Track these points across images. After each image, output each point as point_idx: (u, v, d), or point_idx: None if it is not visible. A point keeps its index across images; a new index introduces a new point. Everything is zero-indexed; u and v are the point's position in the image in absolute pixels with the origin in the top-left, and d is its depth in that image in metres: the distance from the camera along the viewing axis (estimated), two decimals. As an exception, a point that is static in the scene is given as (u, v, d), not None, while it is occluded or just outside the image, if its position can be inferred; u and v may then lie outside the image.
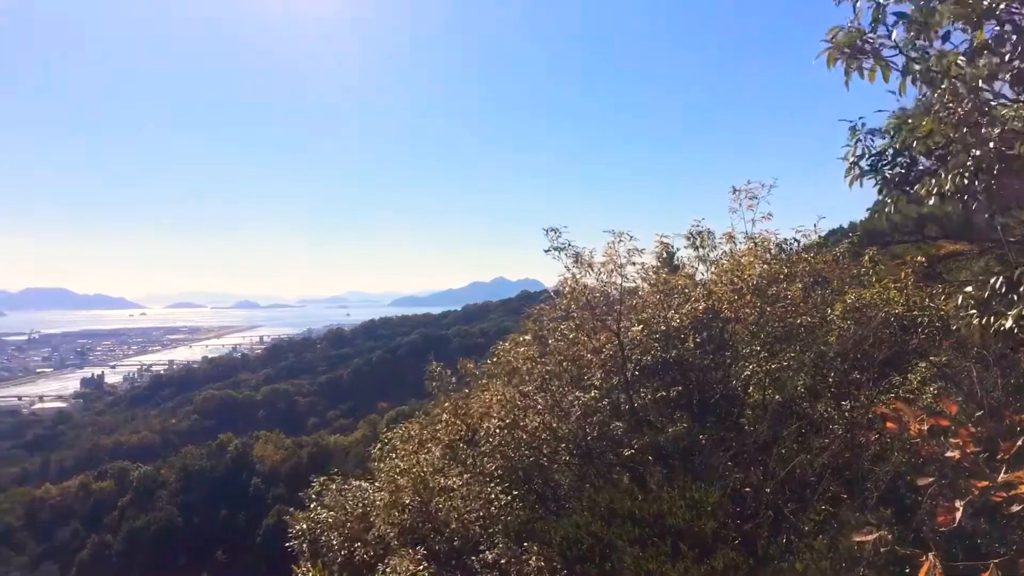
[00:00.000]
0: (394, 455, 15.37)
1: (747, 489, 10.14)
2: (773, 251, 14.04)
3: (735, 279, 13.16)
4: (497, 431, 13.36)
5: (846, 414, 11.74)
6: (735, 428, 12.05)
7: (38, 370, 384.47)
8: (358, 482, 16.04)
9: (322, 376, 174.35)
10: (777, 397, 12.33)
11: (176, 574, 69.41)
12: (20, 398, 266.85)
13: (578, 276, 13.88)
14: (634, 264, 13.74)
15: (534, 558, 10.47)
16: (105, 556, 71.89)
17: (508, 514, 12.43)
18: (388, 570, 11.75)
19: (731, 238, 14.24)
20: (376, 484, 15.10)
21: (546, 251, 13.76)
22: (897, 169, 6.94)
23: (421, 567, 11.58)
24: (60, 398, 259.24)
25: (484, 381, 16.08)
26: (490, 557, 11.21)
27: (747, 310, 12.94)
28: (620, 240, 13.57)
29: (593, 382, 13.44)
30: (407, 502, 13.71)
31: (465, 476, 13.93)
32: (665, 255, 14.52)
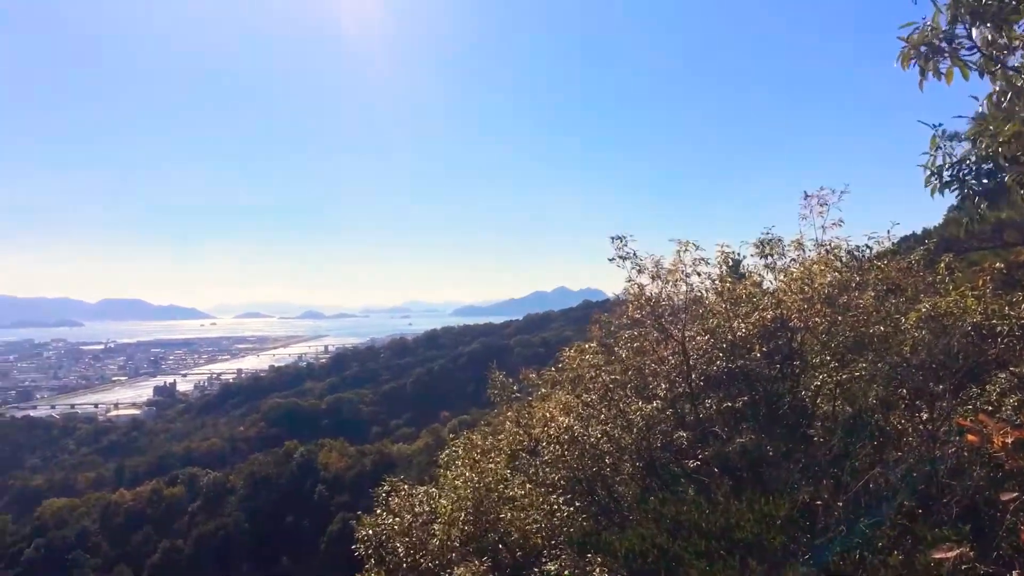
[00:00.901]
0: (459, 464, 15.37)
1: (818, 503, 9.85)
2: (844, 259, 13.66)
3: (805, 287, 12.84)
4: (559, 441, 13.26)
5: (922, 426, 11.35)
6: (804, 440, 11.73)
7: (114, 378, 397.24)
8: (424, 487, 16.07)
9: (385, 385, 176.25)
10: (848, 408, 11.98)
11: (243, 579, 70.77)
12: (97, 405, 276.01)
13: (643, 285, 13.73)
14: (699, 274, 13.54)
15: (597, 570, 10.34)
16: (175, 560, 73.56)
17: (571, 525, 12.32)
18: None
19: (800, 245, 13.91)
20: (441, 492, 15.10)
21: (611, 260, 13.64)
22: (981, 179, 6.67)
23: (482, 577, 11.52)
24: (134, 405, 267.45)
25: (546, 391, 16.01)
26: (552, 569, 11.11)
27: (817, 319, 12.61)
28: (686, 249, 13.40)
29: (657, 392, 13.24)
30: (470, 511, 13.70)
31: (528, 486, 13.88)
32: (730, 263, 14.24)
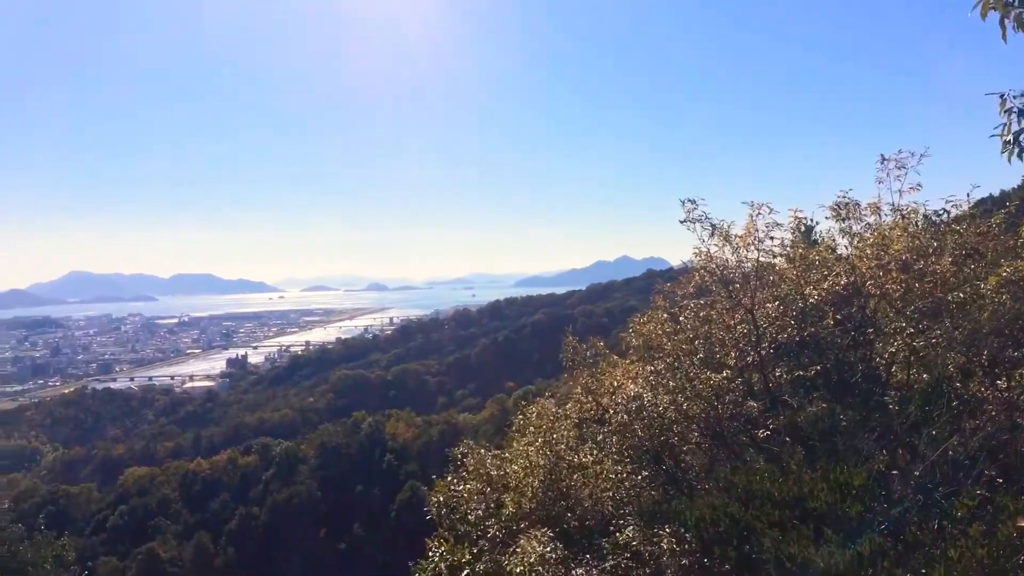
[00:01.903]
0: (531, 430, 15.43)
1: (894, 472, 9.65)
2: (921, 223, 13.24)
3: (880, 253, 12.48)
4: (627, 410, 13.22)
5: (1002, 393, 11.00)
6: (879, 409, 11.48)
7: (188, 351, 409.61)
8: (496, 452, 16.16)
9: (450, 356, 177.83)
10: (925, 376, 11.68)
11: (317, 546, 72.49)
12: (173, 377, 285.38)
13: (712, 250, 13.52)
14: (772, 238, 13.26)
15: (666, 540, 10.31)
16: (251, 527, 75.76)
17: (639, 495, 12.31)
18: (519, 549, 11.81)
19: (877, 209, 13.49)
20: (513, 458, 15.18)
21: (682, 222, 13.44)
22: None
23: (549, 547, 11.58)
24: (208, 377, 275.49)
25: (613, 359, 15.95)
26: (621, 539, 11.10)
27: (892, 285, 12.28)
28: (758, 213, 13.11)
29: (726, 361, 13.08)
30: (540, 478, 13.78)
31: (596, 454, 13.89)
32: (803, 229, 13.90)
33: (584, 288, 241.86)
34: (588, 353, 16.23)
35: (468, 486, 15.04)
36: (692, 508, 9.09)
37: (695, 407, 12.84)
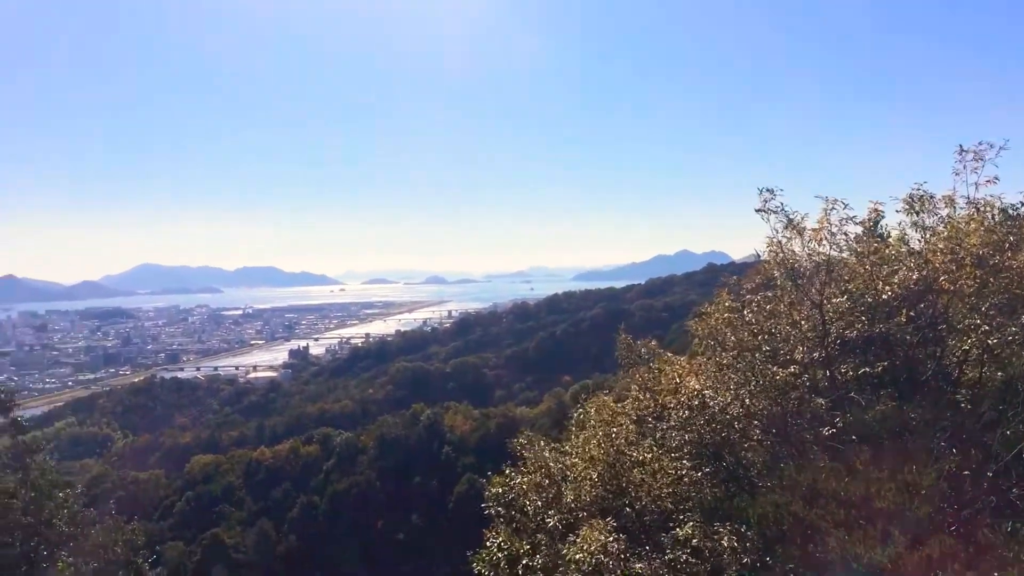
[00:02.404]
0: (590, 425, 15.35)
1: (965, 472, 9.37)
2: (998, 216, 12.77)
3: (955, 247, 12.08)
4: (688, 406, 13.07)
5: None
6: (951, 407, 11.14)
7: (252, 342, 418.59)
8: (555, 445, 16.10)
9: (508, 349, 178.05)
10: (999, 374, 11.29)
11: (376, 535, 73.44)
12: (237, 368, 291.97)
13: (783, 243, 13.26)
14: (846, 234, 12.96)
15: (726, 537, 10.19)
16: (313, 515, 77.05)
17: (699, 491, 12.18)
18: (579, 539, 11.77)
19: (951, 202, 13.06)
20: (572, 451, 15.12)
21: (758, 211, 13.20)
22: None
23: (611, 538, 11.52)
24: (271, 368, 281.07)
25: (669, 356, 15.78)
26: (681, 534, 11.01)
27: (966, 281, 11.88)
28: (833, 207, 12.83)
29: (792, 357, 12.82)
30: (599, 473, 13.72)
31: (655, 450, 13.77)
32: (873, 222, 13.52)
33: (643, 282, 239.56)
34: (642, 351, 16.08)
35: (526, 478, 15.00)
36: (754, 505, 8.95)
37: (758, 403, 12.63)
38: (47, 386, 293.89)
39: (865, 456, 10.19)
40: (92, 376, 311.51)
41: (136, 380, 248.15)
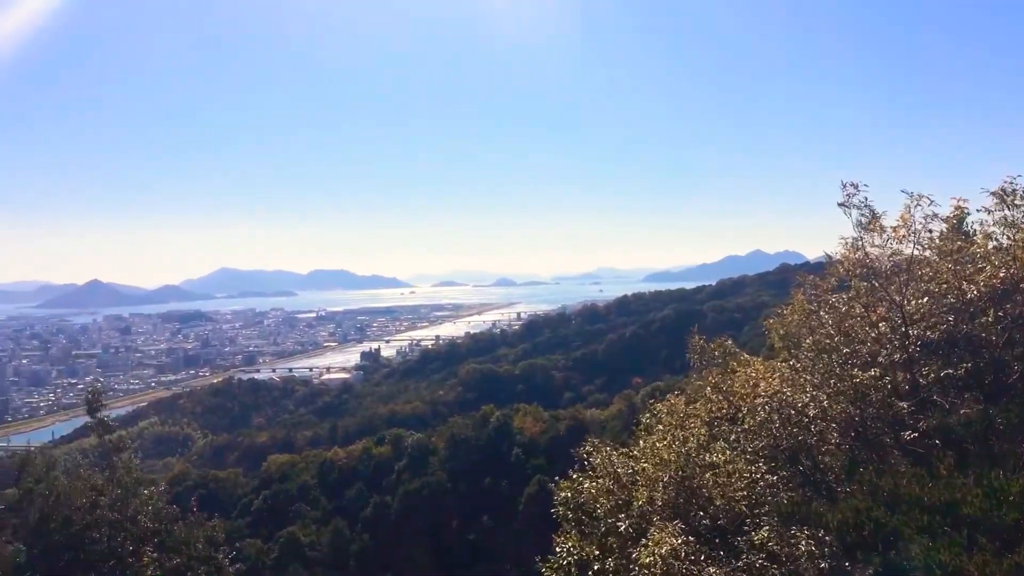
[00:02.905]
0: (660, 427, 15.22)
1: (1058, 479, 8.99)
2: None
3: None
4: (764, 408, 12.84)
5: None
6: (1041, 411, 10.72)
7: (325, 344, 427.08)
8: (624, 450, 15.99)
9: (577, 351, 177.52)
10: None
11: (447, 535, 73.96)
12: (311, 369, 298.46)
13: (862, 241, 12.94)
14: (930, 231, 12.54)
15: (804, 542, 9.99)
16: (385, 515, 77.92)
17: (775, 495, 11.96)
18: (650, 543, 11.67)
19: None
20: (642, 455, 15.00)
21: (840, 205, 12.90)
22: None
23: (681, 540, 11.40)
24: (344, 369, 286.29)
25: (744, 357, 15.53)
26: (756, 538, 10.83)
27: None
28: (917, 203, 12.43)
29: (877, 359, 12.49)
30: (671, 476, 13.58)
31: (728, 453, 13.57)
32: (958, 219, 13.06)
33: (714, 283, 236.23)
34: (716, 353, 15.85)
35: (595, 483, 14.94)
36: (834, 510, 8.74)
37: (837, 406, 12.35)
38: (131, 387, 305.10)
39: (949, 461, 9.87)
40: (173, 377, 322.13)
41: (215, 381, 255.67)
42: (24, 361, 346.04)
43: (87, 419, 20.96)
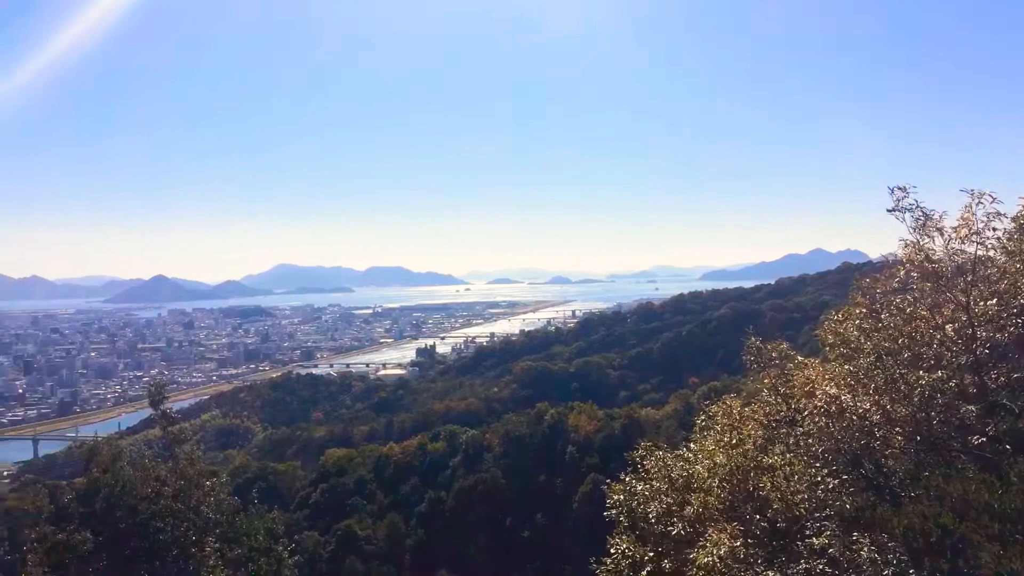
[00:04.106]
0: (716, 429, 15.01)
1: None
2: None
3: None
4: (825, 412, 12.57)
5: None
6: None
7: (381, 340, 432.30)
8: (678, 452, 15.83)
9: (632, 350, 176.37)
10: None
11: (501, 532, 74.16)
12: (368, 365, 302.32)
13: (922, 242, 12.57)
14: (994, 230, 12.10)
15: (867, 548, 9.76)
16: (440, 510, 78.45)
17: (838, 499, 11.69)
18: (708, 544, 11.54)
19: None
20: (696, 457, 14.82)
21: (890, 211, 12.58)
22: None
23: (739, 543, 11.24)
24: (399, 365, 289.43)
25: (801, 360, 15.21)
26: (817, 543, 10.61)
27: None
28: (979, 201, 12.02)
29: (942, 362, 12.13)
30: (726, 478, 13.39)
31: (787, 456, 13.33)
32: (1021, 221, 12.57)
33: (773, 282, 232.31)
34: (772, 355, 15.55)
35: (648, 486, 14.80)
36: (900, 516, 8.52)
37: (901, 409, 12.03)
38: (194, 380, 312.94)
39: (1021, 467, 9.55)
40: (234, 371, 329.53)
41: (274, 376, 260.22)
42: (92, 354, 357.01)
43: (152, 411, 21.48)
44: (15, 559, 17.70)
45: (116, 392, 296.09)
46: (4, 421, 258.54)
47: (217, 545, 18.79)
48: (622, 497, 15.36)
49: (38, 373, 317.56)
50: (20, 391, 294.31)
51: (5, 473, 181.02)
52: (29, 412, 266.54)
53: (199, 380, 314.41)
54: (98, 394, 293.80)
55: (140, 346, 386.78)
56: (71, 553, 17.33)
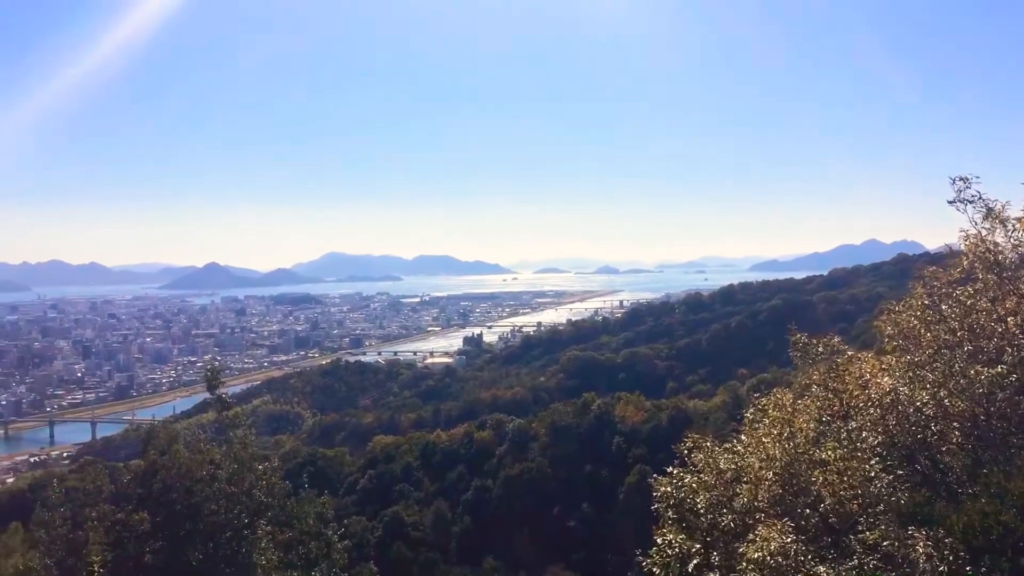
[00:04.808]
0: (765, 423, 14.80)
1: None
2: None
3: None
4: (880, 404, 12.32)
5: None
6: None
7: (428, 328, 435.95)
8: (728, 445, 15.64)
9: (680, 340, 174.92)
10: None
11: (547, 521, 74.28)
12: (415, 353, 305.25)
13: (984, 234, 12.23)
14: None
15: (922, 544, 9.56)
16: (486, 499, 78.87)
17: (893, 494, 11.47)
18: (757, 539, 11.40)
19: None
20: (746, 450, 14.63)
21: (951, 203, 12.29)
22: None
23: (790, 539, 11.08)
24: (447, 354, 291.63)
25: (852, 354, 14.91)
26: (871, 539, 10.42)
27: None
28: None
29: (1003, 356, 11.81)
30: (778, 472, 13.20)
31: (839, 451, 13.11)
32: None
33: (826, 273, 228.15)
34: (820, 349, 15.26)
35: (696, 478, 14.64)
36: (959, 513, 8.32)
37: (959, 404, 11.74)
38: (245, 366, 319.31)
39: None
40: (284, 357, 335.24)
41: (323, 363, 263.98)
42: (148, 339, 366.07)
43: (206, 395, 22.02)
44: (77, 537, 18.23)
45: (171, 377, 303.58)
46: (64, 404, 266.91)
47: (269, 528, 19.15)
48: (669, 490, 15.22)
49: (96, 357, 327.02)
50: (79, 375, 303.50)
51: (65, 454, 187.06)
52: (88, 395, 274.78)
53: (251, 366, 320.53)
54: (153, 378, 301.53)
55: (194, 332, 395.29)
56: (129, 532, 17.83)
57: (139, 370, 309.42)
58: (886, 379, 12.69)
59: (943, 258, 13.75)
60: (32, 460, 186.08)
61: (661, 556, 13.48)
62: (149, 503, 18.39)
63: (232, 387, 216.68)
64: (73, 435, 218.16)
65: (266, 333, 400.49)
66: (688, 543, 13.39)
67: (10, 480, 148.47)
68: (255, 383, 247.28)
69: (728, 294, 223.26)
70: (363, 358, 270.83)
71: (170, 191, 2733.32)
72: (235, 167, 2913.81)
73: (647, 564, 13.63)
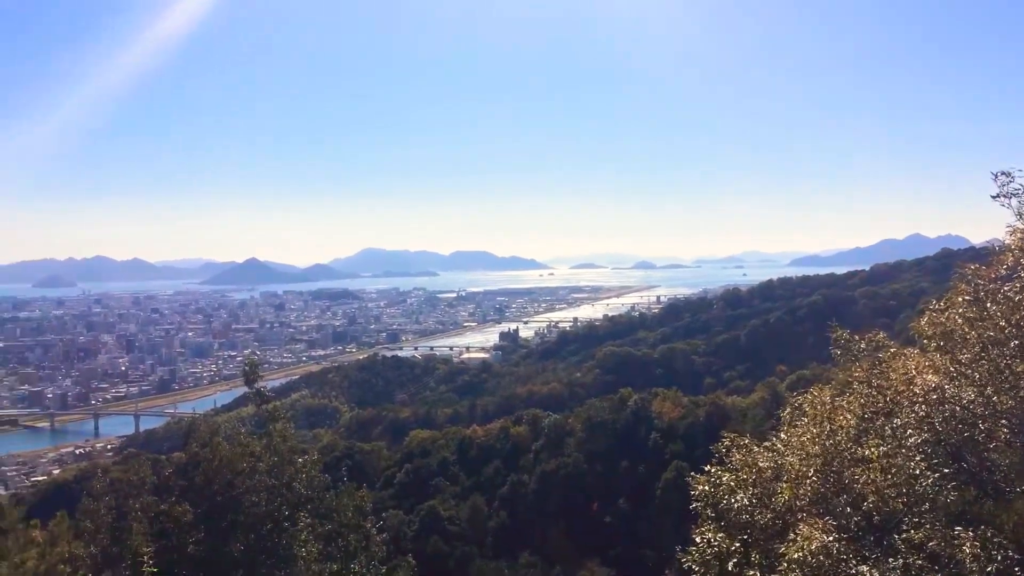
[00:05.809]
0: (804, 420, 14.61)
1: None
2: None
3: None
4: (926, 401, 12.10)
5: None
6: None
7: (464, 324, 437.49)
8: (767, 443, 15.48)
9: (718, 336, 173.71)
10: None
11: (583, 517, 74.19)
12: (451, 348, 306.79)
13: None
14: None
15: (969, 544, 9.39)
16: (522, 494, 78.93)
17: (939, 493, 11.27)
18: (799, 538, 11.26)
19: None
20: (785, 447, 14.47)
21: (994, 197, 12.03)
22: None
23: (832, 537, 10.93)
24: (483, 349, 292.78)
25: (895, 350, 14.66)
26: (916, 538, 10.25)
27: None
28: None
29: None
30: (818, 469, 13.03)
31: (882, 448, 12.90)
32: None
33: (867, 268, 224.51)
34: (863, 346, 15.02)
35: (734, 476, 14.50)
36: (1009, 512, 8.15)
37: (1007, 400, 11.50)
38: (284, 360, 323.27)
39: None
40: (322, 352, 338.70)
41: (361, 357, 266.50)
42: (190, 334, 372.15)
43: (246, 389, 22.21)
44: (121, 527, 18.59)
45: (212, 371, 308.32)
46: (108, 397, 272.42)
47: (308, 520, 19.33)
48: (707, 488, 15.10)
49: (139, 351, 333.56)
50: (123, 368, 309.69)
51: (109, 446, 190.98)
52: (131, 389, 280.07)
53: (289, 360, 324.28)
54: (195, 372, 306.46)
55: (234, 327, 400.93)
56: (172, 523, 18.12)
57: (181, 364, 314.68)
58: (931, 376, 12.46)
59: (987, 253, 13.42)
60: (77, 452, 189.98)
61: (701, 554, 13.40)
62: (191, 495, 18.66)
63: (271, 381, 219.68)
64: (117, 427, 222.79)
65: (304, 328, 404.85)
66: (727, 542, 13.29)
67: (56, 471, 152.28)
68: (293, 377, 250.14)
69: (767, 289, 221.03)
70: (399, 353, 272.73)
71: (211, 188, 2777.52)
72: (275, 164, 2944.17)
73: (687, 561, 13.56)
